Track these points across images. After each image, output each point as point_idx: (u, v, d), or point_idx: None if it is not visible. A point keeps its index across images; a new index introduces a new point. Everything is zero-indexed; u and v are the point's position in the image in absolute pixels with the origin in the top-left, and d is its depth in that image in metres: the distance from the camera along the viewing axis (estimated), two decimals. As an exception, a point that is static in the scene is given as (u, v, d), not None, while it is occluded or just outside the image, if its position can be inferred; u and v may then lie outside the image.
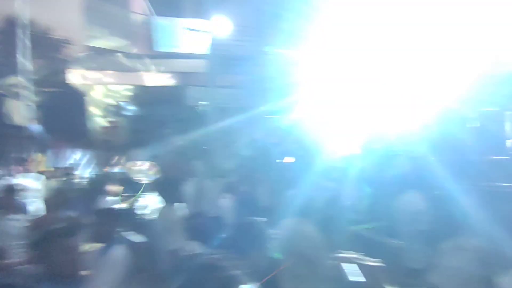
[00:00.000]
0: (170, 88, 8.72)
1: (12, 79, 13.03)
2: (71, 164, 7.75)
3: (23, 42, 9.92)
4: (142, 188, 4.75)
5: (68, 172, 6.84)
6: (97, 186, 4.62)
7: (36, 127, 9.73)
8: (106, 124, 9.29)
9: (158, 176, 5.00)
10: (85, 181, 6.07)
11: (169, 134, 9.48)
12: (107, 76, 8.62)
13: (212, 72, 7.51)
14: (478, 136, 5.53)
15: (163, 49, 9.14)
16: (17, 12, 10.58)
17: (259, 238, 2.01)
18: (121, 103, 9.22)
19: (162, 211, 3.28)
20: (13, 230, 3.71)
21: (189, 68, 8.81)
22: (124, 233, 2.86)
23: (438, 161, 4.43)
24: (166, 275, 2.77)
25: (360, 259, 1.65)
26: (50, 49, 20.04)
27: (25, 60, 9.98)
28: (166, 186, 3.36)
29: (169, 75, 8.83)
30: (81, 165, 7.70)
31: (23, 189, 4.83)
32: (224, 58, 7.79)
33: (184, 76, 8.83)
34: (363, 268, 1.58)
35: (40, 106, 10.45)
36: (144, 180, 4.87)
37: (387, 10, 6.32)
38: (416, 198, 3.61)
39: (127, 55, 8.90)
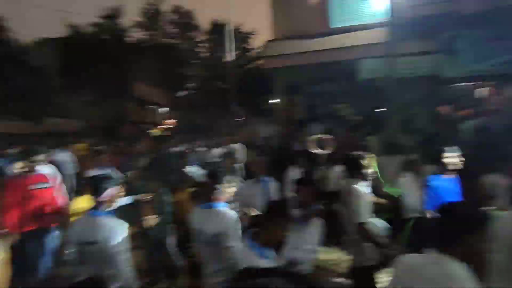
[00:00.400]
0: (348, 63, 8.75)
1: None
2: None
3: (228, 38, 12.07)
4: (319, 161, 5.13)
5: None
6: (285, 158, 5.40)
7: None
8: (287, 102, 10.27)
9: (334, 151, 5.24)
10: (274, 153, 6.82)
11: (346, 109, 9.61)
12: (290, 59, 9.46)
13: (392, 40, 7.06)
14: None
15: (339, 24, 9.26)
16: (221, 14, 12.82)
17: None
18: (300, 82, 9.95)
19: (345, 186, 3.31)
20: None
21: (368, 39, 8.58)
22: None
23: None
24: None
25: None
26: (243, 41, 23.60)
27: (229, 52, 12.16)
28: (348, 161, 3.34)
29: (346, 49, 8.87)
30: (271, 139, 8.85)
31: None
32: (404, 23, 7.17)
33: (363, 49, 8.68)
34: None
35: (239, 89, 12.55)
36: (322, 154, 5.22)
37: None
38: None
39: (306, 37, 9.47)
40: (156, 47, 23.19)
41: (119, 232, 2.42)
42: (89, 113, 18.60)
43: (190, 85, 26.64)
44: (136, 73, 21.06)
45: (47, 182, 4.09)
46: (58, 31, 20.77)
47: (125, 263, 2.42)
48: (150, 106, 26.32)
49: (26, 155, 4.13)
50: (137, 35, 23.67)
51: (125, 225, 2.52)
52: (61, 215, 4.02)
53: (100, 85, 19.13)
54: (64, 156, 7.50)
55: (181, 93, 25.83)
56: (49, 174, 4.43)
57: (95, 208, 2.53)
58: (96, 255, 2.35)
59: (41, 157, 4.28)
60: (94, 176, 4.61)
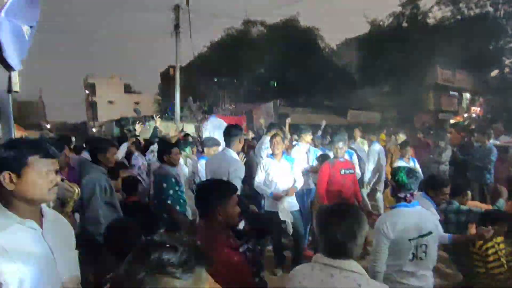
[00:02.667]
0: None
1: None
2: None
3: None
4: None
5: None
6: None
7: None
8: None
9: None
10: None
11: None
12: None
13: None
14: None
15: None
16: None
17: None
18: None
19: None
20: None
21: None
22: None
23: None
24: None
25: None
26: None
27: None
28: None
29: None
30: None
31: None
32: None
33: None
34: None
35: None
36: None
37: None
38: None
39: None
40: (461, 22, 20.14)
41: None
42: (387, 103, 18.96)
43: (507, 62, 21.24)
44: (437, 57, 19.23)
45: (351, 169, 4.51)
46: (361, 30, 22.51)
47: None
48: (452, 92, 23.43)
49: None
50: (438, 14, 21.42)
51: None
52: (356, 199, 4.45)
53: (398, 75, 18.99)
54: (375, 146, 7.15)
55: (493, 74, 21.15)
56: (353, 161, 4.89)
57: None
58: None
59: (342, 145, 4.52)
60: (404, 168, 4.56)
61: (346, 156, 4.96)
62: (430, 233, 2.37)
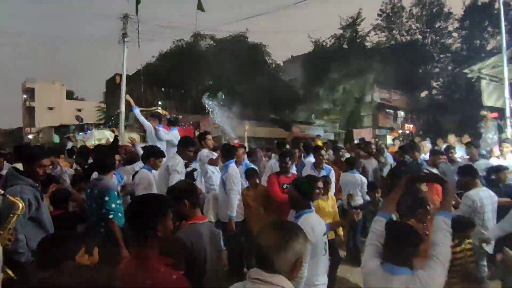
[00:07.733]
0: None
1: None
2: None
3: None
4: None
5: None
6: None
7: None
8: None
9: None
10: None
11: None
12: None
13: None
14: None
15: None
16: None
17: None
18: None
19: None
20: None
21: None
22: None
23: None
24: None
25: None
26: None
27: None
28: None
29: None
30: None
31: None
32: None
33: None
34: None
35: None
36: None
37: None
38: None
39: None
40: (394, 47, 21.97)
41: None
42: (329, 119, 19.84)
43: (434, 84, 23.48)
44: (375, 77, 20.69)
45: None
46: (306, 49, 23.51)
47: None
48: (388, 110, 25.23)
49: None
50: (375, 38, 23.18)
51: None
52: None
53: (340, 92, 20.02)
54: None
55: (423, 94, 23.19)
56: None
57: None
58: None
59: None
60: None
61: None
62: (326, 231, 2.70)
